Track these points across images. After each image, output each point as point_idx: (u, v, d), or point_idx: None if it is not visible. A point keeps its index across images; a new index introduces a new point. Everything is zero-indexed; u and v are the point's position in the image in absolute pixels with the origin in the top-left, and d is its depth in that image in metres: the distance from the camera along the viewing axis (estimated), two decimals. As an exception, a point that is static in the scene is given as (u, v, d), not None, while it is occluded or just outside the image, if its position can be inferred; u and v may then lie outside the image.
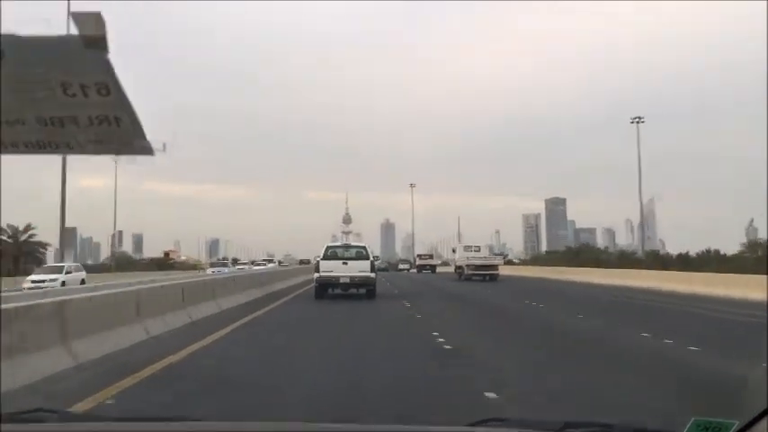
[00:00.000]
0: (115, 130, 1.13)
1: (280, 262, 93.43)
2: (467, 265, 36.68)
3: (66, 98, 1.08)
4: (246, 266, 60.56)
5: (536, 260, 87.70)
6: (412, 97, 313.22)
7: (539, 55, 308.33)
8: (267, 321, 13.48)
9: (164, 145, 1.19)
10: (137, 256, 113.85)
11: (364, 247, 21.12)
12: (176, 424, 1.83)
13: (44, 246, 56.46)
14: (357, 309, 16.35)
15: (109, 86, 1.06)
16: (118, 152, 1.21)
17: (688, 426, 1.57)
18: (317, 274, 19.79)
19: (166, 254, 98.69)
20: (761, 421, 1.48)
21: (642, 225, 62.01)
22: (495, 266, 36.90)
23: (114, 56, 1.01)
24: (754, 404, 1.60)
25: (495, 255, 43.32)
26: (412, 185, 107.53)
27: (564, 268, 45.83)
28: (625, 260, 55.27)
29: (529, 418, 1.88)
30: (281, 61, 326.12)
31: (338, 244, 23.27)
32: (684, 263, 44.73)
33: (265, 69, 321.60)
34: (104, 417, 3.01)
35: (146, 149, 1.18)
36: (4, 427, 1.54)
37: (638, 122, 55.16)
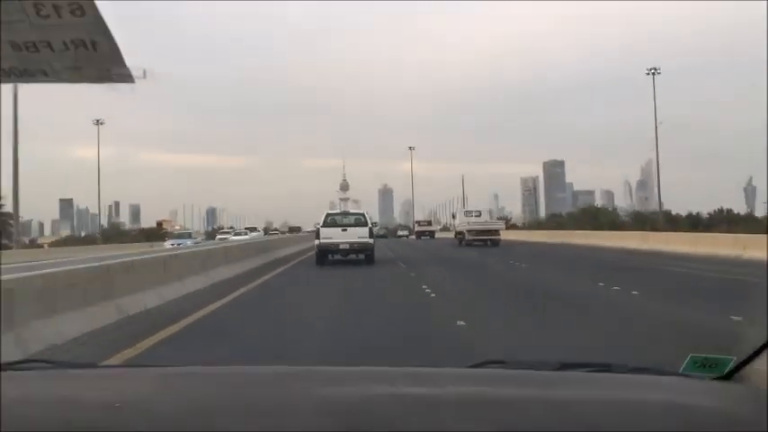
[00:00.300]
0: (92, 54, 1.07)
1: (270, 230, 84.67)
2: (467, 231, 35.77)
3: (40, 20, 1.00)
4: (229, 236, 51.74)
5: (541, 224, 77.33)
6: (408, 63, 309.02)
7: (535, 18, 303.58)
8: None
9: (144, 72, 1.13)
10: (135, 227, 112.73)
11: (363, 214, 21.57)
12: (179, 369, 1.84)
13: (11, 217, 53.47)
14: (359, 276, 15.93)
15: (83, 6, 0.99)
16: (96, 80, 1.14)
17: (685, 362, 1.60)
18: (317, 241, 20.41)
19: (159, 224, 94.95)
20: (757, 357, 1.51)
21: (658, 184, 54.02)
22: (496, 231, 35.99)
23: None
24: (750, 341, 1.56)
25: (498, 219, 42.26)
26: (411, 148, 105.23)
27: (574, 232, 42.46)
28: (642, 222, 50.83)
29: (525, 359, 1.87)
30: (276, 29, 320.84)
31: (337, 212, 23.86)
32: (695, 223, 43.26)
33: (260, 38, 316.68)
34: (102, 365, 2.96)
35: (125, 77, 1.13)
36: None
37: (653, 74, 51.57)
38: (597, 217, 59.52)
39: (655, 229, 39.98)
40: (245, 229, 65.00)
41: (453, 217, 45.30)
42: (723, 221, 42.28)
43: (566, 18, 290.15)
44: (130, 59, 1.14)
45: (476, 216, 38.30)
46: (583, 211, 71.21)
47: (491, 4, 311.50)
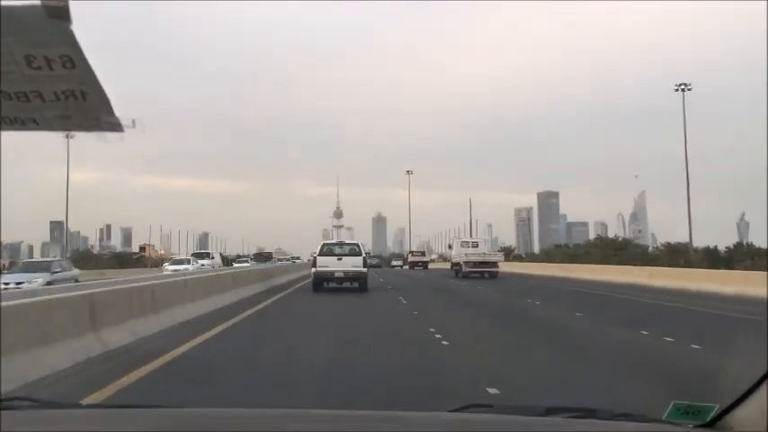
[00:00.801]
0: (82, 104, 1.10)
1: (242, 257, 71.80)
2: (465, 262, 34.74)
3: (31, 71, 1.05)
4: (167, 266, 36.55)
5: (549, 255, 65.63)
6: (405, 92, 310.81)
7: (531, 52, 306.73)
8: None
9: (133, 121, 1.14)
10: (126, 250, 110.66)
11: (357, 244, 22.75)
12: (163, 411, 1.83)
13: None
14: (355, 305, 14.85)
15: (73, 59, 1.03)
16: (86, 128, 1.17)
17: (668, 409, 1.59)
18: (314, 269, 21.35)
19: (142, 248, 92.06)
20: (739, 405, 1.50)
21: (689, 217, 45.07)
22: (494, 263, 34.97)
23: (78, 28, 0.99)
24: (733, 388, 1.55)
25: (499, 251, 40.89)
26: (409, 172, 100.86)
27: (604, 267, 36.01)
28: (675, 255, 42.23)
29: (511, 403, 1.92)
30: (271, 53, 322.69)
31: (333, 242, 25.13)
32: (713, 258, 39.57)
33: (254, 64, 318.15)
34: (87, 405, 2.88)
35: (114, 126, 1.14)
36: None
37: (683, 90, 45.38)
38: (627, 248, 50.30)
39: (688, 264, 35.47)
40: (191, 256, 43.85)
41: (449, 247, 44.06)
42: (746, 256, 37.44)
43: (565, 53, 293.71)
44: (122, 106, 1.13)
45: (473, 247, 37.33)
46: (610, 241, 57.60)
47: (492, 36, 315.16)
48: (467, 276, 33.79)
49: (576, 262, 44.78)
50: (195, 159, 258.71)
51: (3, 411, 1.57)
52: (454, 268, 37.64)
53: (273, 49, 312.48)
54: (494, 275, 34.03)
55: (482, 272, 34.26)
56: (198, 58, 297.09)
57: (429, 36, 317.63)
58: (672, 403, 1.57)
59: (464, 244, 38.52)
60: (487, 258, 35.23)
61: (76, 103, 1.11)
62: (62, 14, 0.96)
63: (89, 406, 2.86)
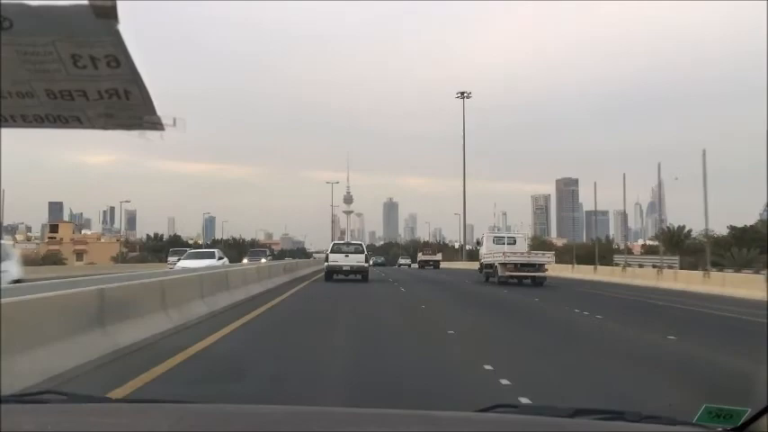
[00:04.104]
0: (125, 103, 1.12)
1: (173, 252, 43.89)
2: (501, 264, 27.12)
3: (77, 70, 1.05)
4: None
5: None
6: (418, 77, 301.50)
7: (553, 38, 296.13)
8: None
9: (174, 120, 1.15)
10: (131, 233, 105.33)
11: (360, 244, 28.55)
12: (189, 406, 1.84)
13: None
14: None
15: (119, 59, 1.03)
16: (128, 127, 1.17)
17: (699, 412, 1.57)
18: (326, 264, 26.96)
19: (54, 227, 69.51)
20: None
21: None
22: (542, 266, 27.15)
23: (124, 27, 0.98)
24: (765, 391, 1.78)
25: (544, 251, 32.12)
26: (464, 95, 78.99)
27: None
28: None
29: (539, 404, 1.81)
30: (286, 42, 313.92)
31: (342, 242, 30.29)
32: None
33: (269, 50, 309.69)
34: (115, 399, 2.90)
35: (156, 125, 1.15)
36: (5, 408, 1.45)
37: None
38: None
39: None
40: None
41: (478, 244, 36.27)
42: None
43: (581, 40, 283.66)
44: (161, 107, 1.13)
45: (509, 243, 29.68)
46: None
47: (508, 22, 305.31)
48: (504, 282, 26.35)
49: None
50: (203, 145, 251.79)
51: (32, 405, 1.63)
52: (484, 270, 29.78)
53: (287, 39, 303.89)
54: (539, 282, 26.47)
55: (523, 276, 26.81)
56: (211, 46, 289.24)
57: (443, 23, 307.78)
58: (703, 406, 1.55)
59: (498, 240, 30.68)
60: (532, 259, 27.23)
61: (120, 101, 1.10)
62: (109, 14, 0.95)
63: (117, 400, 2.70)
